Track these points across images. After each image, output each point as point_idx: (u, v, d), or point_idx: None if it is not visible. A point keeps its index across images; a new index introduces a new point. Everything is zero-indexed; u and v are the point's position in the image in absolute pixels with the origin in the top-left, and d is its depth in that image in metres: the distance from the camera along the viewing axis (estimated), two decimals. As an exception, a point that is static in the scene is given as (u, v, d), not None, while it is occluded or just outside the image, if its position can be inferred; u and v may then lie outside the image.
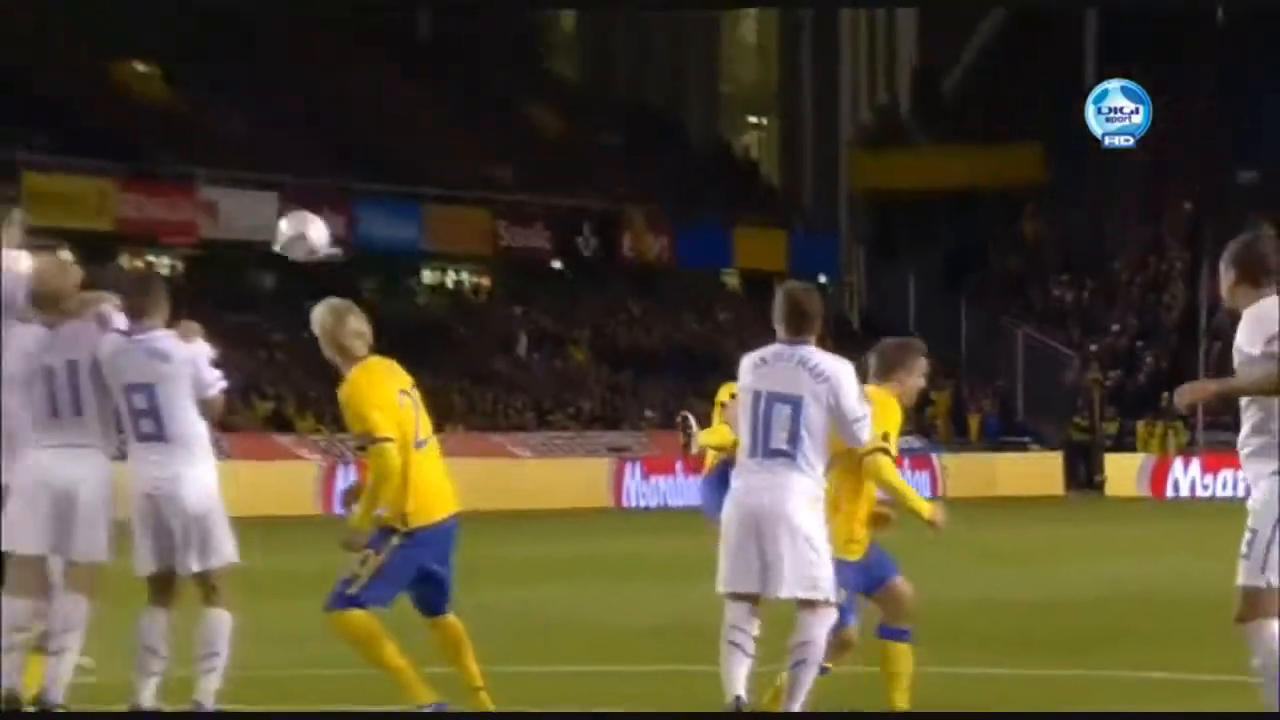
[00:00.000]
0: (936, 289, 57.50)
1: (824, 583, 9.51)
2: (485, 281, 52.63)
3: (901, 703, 10.09)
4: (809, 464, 9.54)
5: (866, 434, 9.66)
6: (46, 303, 10.15)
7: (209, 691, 10.07)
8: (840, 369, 9.60)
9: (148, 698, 10.10)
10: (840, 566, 9.71)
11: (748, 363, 9.74)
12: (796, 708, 9.52)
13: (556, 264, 53.34)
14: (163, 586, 10.18)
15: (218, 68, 49.29)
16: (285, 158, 47.20)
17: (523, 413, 46.19)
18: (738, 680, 9.43)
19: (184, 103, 49.03)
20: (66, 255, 10.51)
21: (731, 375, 10.41)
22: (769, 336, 9.88)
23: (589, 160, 56.55)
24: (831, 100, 65.73)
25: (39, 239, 10.69)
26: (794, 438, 9.52)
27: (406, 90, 54.10)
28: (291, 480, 37.64)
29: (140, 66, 49.71)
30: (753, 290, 52.86)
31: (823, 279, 54.62)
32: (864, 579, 10.04)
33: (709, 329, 53.20)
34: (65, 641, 9.97)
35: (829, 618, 9.56)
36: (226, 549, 10.19)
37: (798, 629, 9.52)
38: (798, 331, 9.69)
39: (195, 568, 10.11)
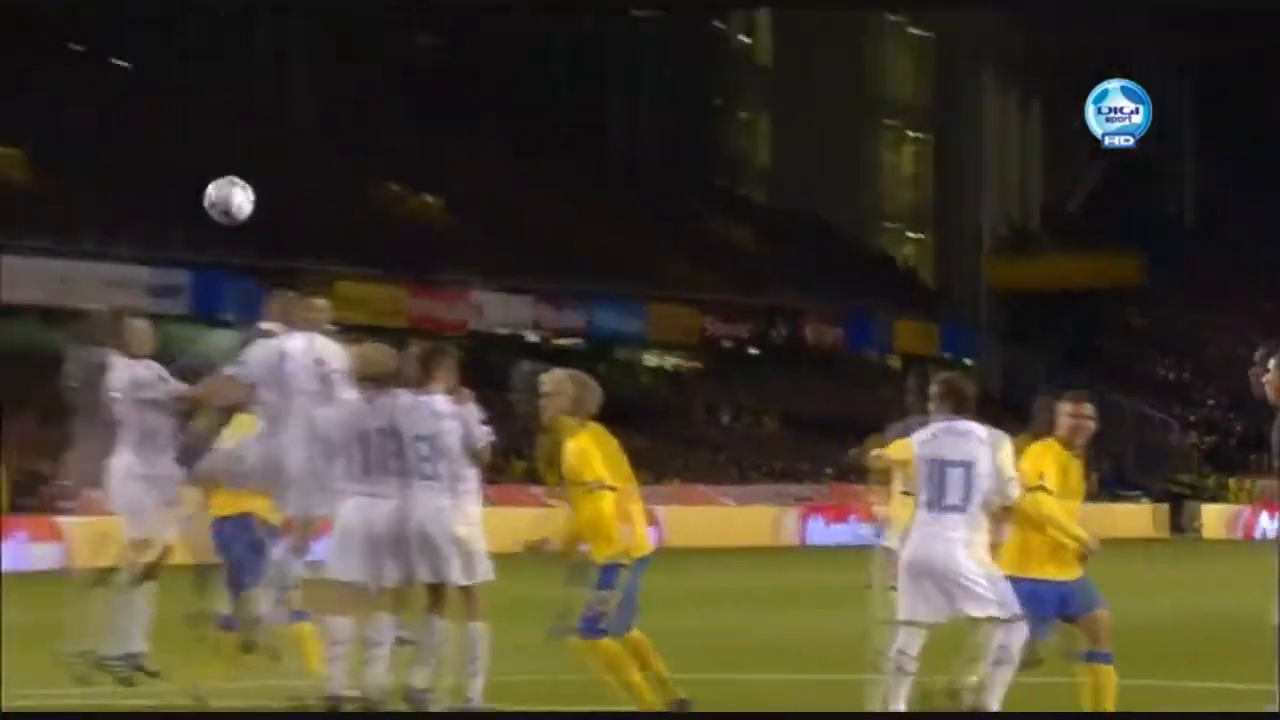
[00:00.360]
0: (1060, 370, 56.73)
1: (1005, 601, 9.41)
2: (696, 365, 52.77)
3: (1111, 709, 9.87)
4: (975, 515, 9.51)
5: (1016, 491, 9.58)
6: (368, 381, 10.41)
7: (478, 690, 10.17)
8: (999, 438, 9.57)
9: (421, 680, 10.20)
10: (1047, 586, 9.64)
11: (920, 437, 9.61)
12: (995, 705, 9.40)
13: (753, 351, 53.35)
14: (436, 597, 10.32)
15: (489, 208, 50.16)
16: (538, 269, 47.86)
17: (727, 469, 46.22)
18: (900, 697, 9.39)
19: (460, 227, 49.92)
20: (381, 346, 10.76)
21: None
22: (924, 409, 9.79)
23: (779, 268, 56.58)
24: (974, 218, 65.16)
25: (349, 334, 10.97)
26: (966, 496, 9.47)
27: (633, 212, 54.52)
28: (542, 524, 37.86)
29: (429, 198, 50.90)
30: (910, 371, 52.50)
31: (968, 362, 54.16)
32: (1069, 605, 9.85)
33: (876, 403, 52.86)
34: (378, 652, 10.11)
35: (1019, 629, 9.43)
36: (485, 567, 10.33)
37: (995, 637, 9.41)
38: (958, 411, 9.60)
39: (462, 581, 10.25)
